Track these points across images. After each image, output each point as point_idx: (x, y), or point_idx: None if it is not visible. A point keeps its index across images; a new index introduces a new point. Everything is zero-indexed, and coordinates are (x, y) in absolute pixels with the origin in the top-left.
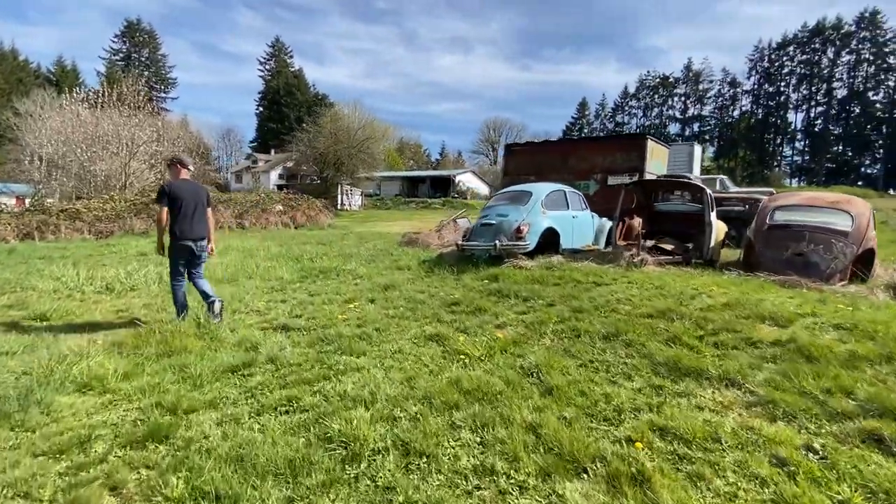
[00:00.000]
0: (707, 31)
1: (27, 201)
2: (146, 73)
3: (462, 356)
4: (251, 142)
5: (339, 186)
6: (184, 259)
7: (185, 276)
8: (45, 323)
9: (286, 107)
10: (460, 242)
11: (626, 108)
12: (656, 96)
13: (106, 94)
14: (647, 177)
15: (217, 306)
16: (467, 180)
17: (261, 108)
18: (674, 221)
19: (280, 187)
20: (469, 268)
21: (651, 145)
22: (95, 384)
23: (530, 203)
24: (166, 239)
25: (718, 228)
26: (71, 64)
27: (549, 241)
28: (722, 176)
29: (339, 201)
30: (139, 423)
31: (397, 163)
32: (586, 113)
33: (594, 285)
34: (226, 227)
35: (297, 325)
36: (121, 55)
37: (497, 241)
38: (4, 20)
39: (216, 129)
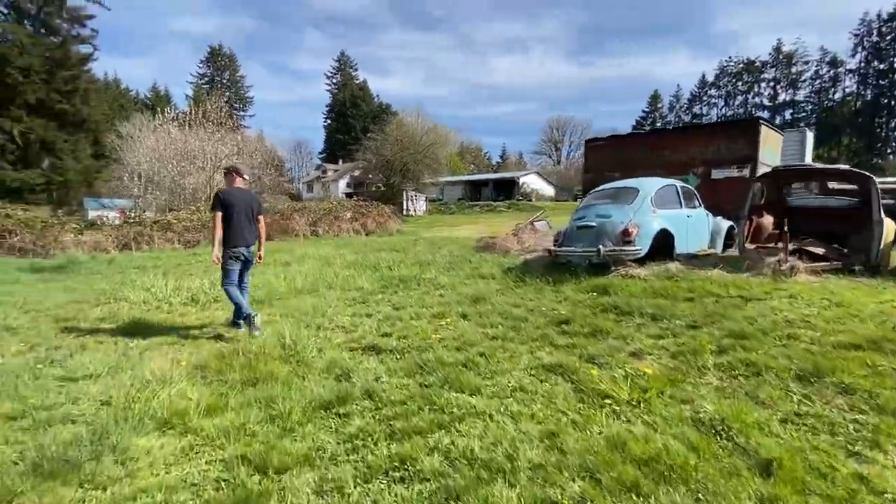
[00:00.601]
0: (792, 10)
1: (128, 214)
2: (227, 93)
3: (606, 400)
4: (320, 153)
5: (405, 192)
6: (236, 266)
7: (237, 279)
8: (132, 339)
9: (352, 118)
10: (552, 248)
11: (705, 97)
12: (740, 83)
13: (193, 113)
14: (762, 169)
15: (241, 326)
16: (531, 182)
17: (328, 121)
18: (811, 218)
19: (348, 195)
20: (567, 277)
21: (765, 132)
22: (176, 421)
23: (637, 201)
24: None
25: (888, 227)
26: (164, 89)
27: (662, 244)
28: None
29: (405, 207)
30: (223, 485)
31: (459, 167)
32: (659, 106)
33: (742, 301)
34: (301, 234)
35: (388, 346)
36: (206, 79)
37: (600, 246)
38: (109, 54)
39: (288, 143)
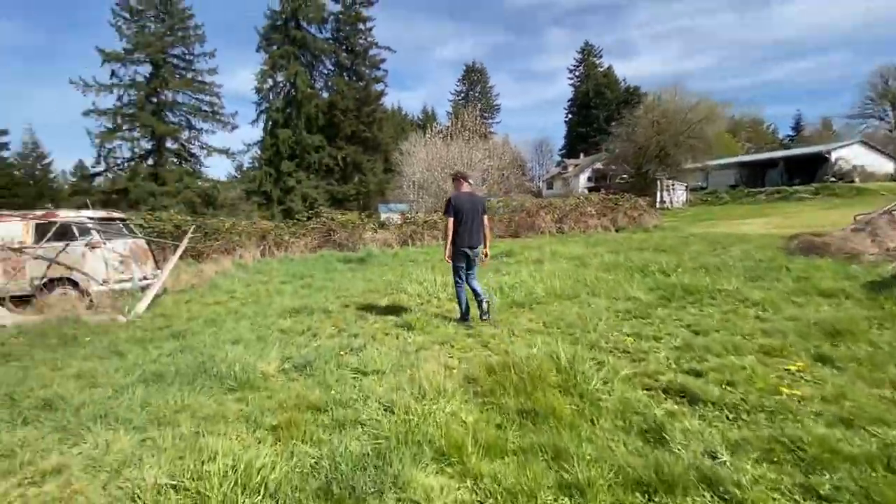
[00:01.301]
0: None
1: (405, 216)
2: (478, 104)
3: None
4: (560, 149)
5: (659, 182)
6: (462, 263)
7: (464, 279)
8: (410, 333)
9: (595, 108)
10: None
11: None
12: None
13: (453, 126)
14: None
15: (485, 306)
16: (853, 155)
17: (570, 115)
18: None
19: (589, 189)
20: None
21: None
22: (453, 455)
23: None
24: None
25: None
26: (431, 110)
27: None
28: None
29: (659, 198)
30: None
31: (731, 147)
32: None
33: None
34: (546, 231)
35: (705, 393)
36: (461, 94)
37: None
38: (395, 89)
39: (530, 144)
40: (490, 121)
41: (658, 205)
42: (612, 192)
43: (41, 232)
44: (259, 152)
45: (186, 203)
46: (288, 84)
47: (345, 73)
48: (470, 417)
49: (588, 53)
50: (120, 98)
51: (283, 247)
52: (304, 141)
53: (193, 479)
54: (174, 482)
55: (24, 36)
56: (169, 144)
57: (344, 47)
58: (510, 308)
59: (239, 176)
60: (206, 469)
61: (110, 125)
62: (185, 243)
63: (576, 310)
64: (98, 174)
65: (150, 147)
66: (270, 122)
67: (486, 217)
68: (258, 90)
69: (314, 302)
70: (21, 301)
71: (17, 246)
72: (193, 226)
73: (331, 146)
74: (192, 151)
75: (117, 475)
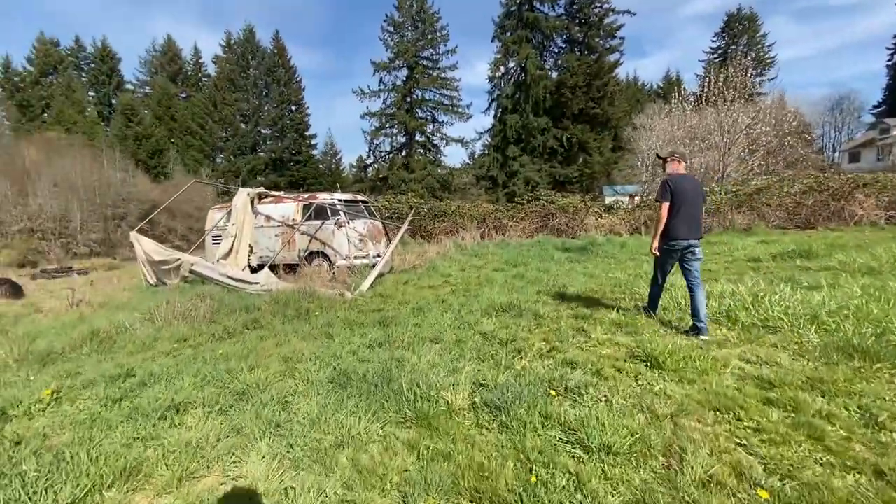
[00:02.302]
0: None
1: (636, 199)
2: (743, 60)
3: None
4: (874, 107)
5: None
6: (671, 262)
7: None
8: (655, 373)
9: None
10: None
11: None
12: None
13: (709, 86)
14: None
15: (703, 332)
16: None
17: (894, 58)
18: None
19: None
20: None
21: None
22: None
23: None
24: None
25: None
26: (675, 75)
27: None
28: None
29: None
30: None
31: None
32: None
33: None
34: (865, 221)
35: None
36: (718, 52)
37: None
38: (630, 58)
39: (818, 103)
40: (760, 78)
41: None
42: None
43: (306, 211)
44: (489, 139)
45: (428, 188)
46: (518, 69)
47: (576, 49)
48: None
49: None
50: (384, 101)
51: (502, 230)
52: (530, 124)
53: None
54: None
55: (330, 63)
56: (417, 137)
57: (577, 20)
58: (843, 355)
59: (471, 163)
60: None
61: (377, 124)
62: (405, 226)
63: None
64: (368, 165)
65: (403, 140)
66: (500, 109)
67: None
68: (491, 79)
69: (524, 298)
70: (289, 269)
71: (290, 223)
72: (413, 209)
73: (556, 127)
74: (434, 142)
75: None
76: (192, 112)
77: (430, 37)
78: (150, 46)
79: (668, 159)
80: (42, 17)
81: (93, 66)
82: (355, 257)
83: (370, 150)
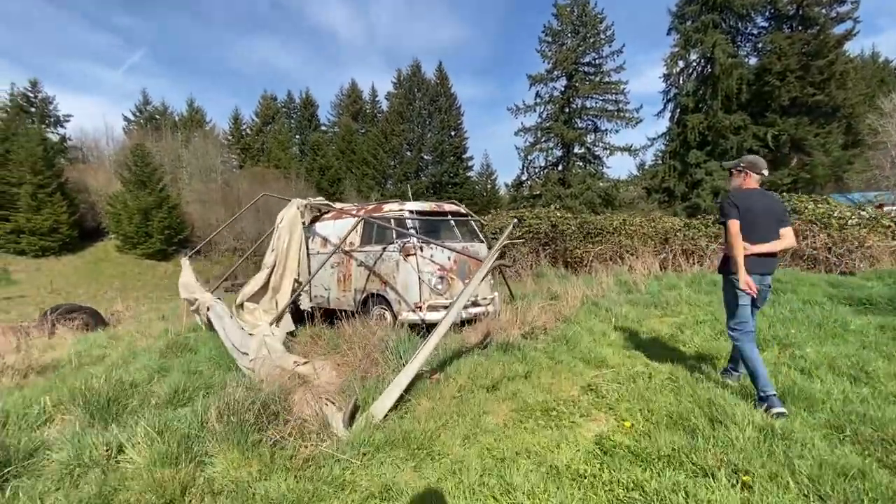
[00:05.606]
0: None
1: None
2: None
3: None
4: None
5: None
6: (747, 298)
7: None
8: None
9: None
10: None
11: None
12: None
13: None
14: None
15: (734, 376)
16: None
17: None
18: None
19: None
20: None
21: None
22: None
23: None
24: None
25: None
26: None
27: None
28: None
29: None
30: None
31: None
32: None
33: None
34: None
35: None
36: None
37: None
38: (866, 33)
39: None
40: None
41: None
42: None
43: (366, 231)
44: (663, 145)
45: (587, 203)
46: (702, 60)
47: (785, 25)
48: None
49: None
50: (540, 114)
51: (695, 256)
52: (718, 124)
53: None
54: None
55: (490, 92)
56: (576, 149)
57: None
58: None
59: (640, 174)
60: None
61: (531, 140)
62: (494, 252)
63: None
64: (522, 183)
65: (560, 154)
66: (678, 110)
67: (789, 229)
68: (666, 76)
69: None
70: (350, 317)
71: (348, 248)
72: (515, 220)
73: (756, 124)
74: (596, 153)
75: None
76: (367, 144)
77: (591, 40)
78: (339, 91)
79: (734, 171)
80: (265, 77)
81: (298, 113)
82: (429, 307)
83: (524, 166)
